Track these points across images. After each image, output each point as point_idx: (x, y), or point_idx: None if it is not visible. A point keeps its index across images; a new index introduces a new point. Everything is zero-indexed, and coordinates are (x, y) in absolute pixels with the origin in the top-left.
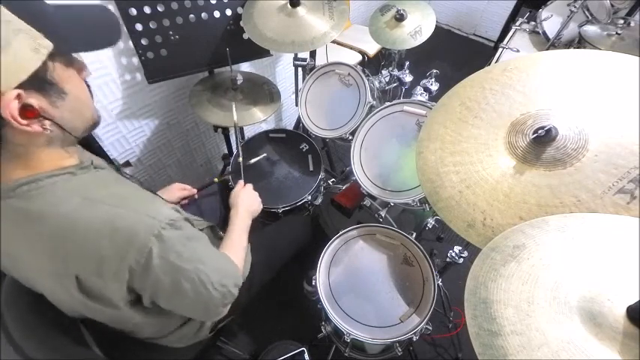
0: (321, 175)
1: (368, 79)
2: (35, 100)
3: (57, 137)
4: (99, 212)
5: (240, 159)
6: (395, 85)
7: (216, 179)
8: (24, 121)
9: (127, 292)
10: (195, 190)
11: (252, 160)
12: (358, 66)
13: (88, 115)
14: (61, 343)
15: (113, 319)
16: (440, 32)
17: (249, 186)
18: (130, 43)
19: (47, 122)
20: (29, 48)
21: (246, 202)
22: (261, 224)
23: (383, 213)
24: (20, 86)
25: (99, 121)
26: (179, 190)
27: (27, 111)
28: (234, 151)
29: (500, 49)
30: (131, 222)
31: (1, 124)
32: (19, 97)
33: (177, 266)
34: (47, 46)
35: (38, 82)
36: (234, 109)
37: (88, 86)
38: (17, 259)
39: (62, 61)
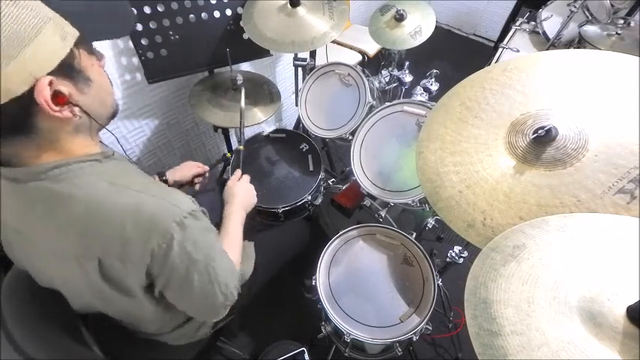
0: (321, 175)
1: (368, 79)
2: (65, 87)
3: (84, 124)
4: (124, 197)
5: (241, 147)
6: (395, 85)
7: (228, 154)
8: (56, 107)
9: (145, 278)
10: (207, 168)
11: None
12: (358, 66)
13: (110, 103)
14: (60, 342)
15: (123, 309)
16: (440, 32)
17: (245, 178)
18: (130, 43)
19: (76, 109)
20: (58, 35)
21: (240, 196)
22: (261, 225)
23: (383, 213)
24: (51, 73)
25: (118, 109)
26: (191, 167)
27: (58, 97)
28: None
29: (500, 49)
30: (155, 207)
31: (33, 112)
32: (50, 83)
33: (192, 256)
34: (73, 33)
35: (67, 69)
36: (242, 93)
37: (107, 75)
38: (38, 244)
39: (85, 49)
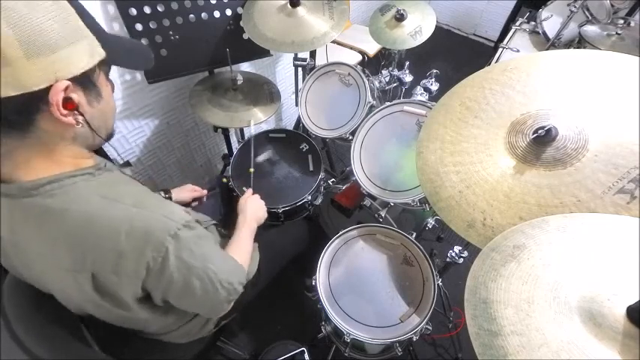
0: (321, 175)
1: (368, 79)
2: (77, 96)
3: (82, 135)
4: (117, 211)
5: (252, 170)
6: (395, 85)
7: (224, 179)
8: (64, 111)
9: (140, 290)
10: (205, 192)
11: (258, 159)
12: (358, 66)
13: (110, 124)
14: (62, 341)
15: (119, 318)
16: (440, 32)
17: (257, 195)
18: None
19: (80, 117)
20: (88, 51)
21: (253, 209)
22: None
23: (383, 213)
24: (70, 80)
25: (113, 134)
26: (191, 191)
27: (67, 103)
28: (234, 151)
29: (500, 49)
30: (148, 221)
31: (39, 110)
32: (66, 88)
33: (190, 265)
34: (101, 54)
35: (85, 80)
36: (252, 123)
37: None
38: (34, 256)
39: (105, 72)
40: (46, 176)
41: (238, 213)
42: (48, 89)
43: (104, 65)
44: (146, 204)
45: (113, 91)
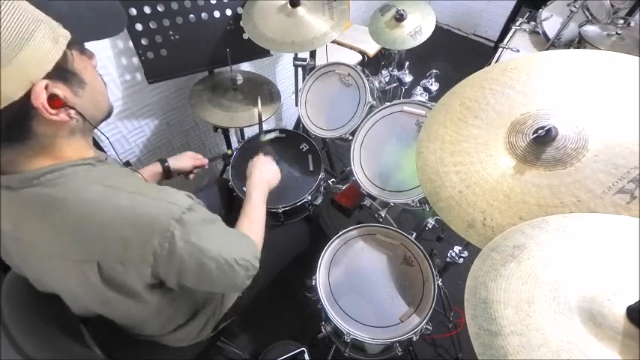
0: (321, 175)
1: (368, 79)
2: (60, 90)
3: (79, 127)
4: (120, 199)
5: (261, 132)
6: (395, 85)
7: (229, 151)
8: (53, 111)
9: (150, 277)
10: (206, 160)
11: (268, 137)
12: (358, 66)
13: (104, 104)
14: (62, 343)
15: (125, 311)
16: (440, 32)
17: (268, 157)
18: (130, 43)
19: (72, 111)
20: (50, 38)
21: (263, 170)
22: None
23: (383, 213)
24: (46, 76)
25: (112, 110)
26: (192, 158)
27: (54, 101)
28: (234, 151)
29: (500, 49)
30: (152, 207)
31: (30, 117)
32: (46, 87)
33: (200, 247)
34: (65, 35)
35: (61, 72)
36: (259, 101)
37: (100, 76)
38: (38, 250)
39: (77, 49)
40: (47, 165)
41: (247, 177)
42: (29, 94)
43: (74, 45)
44: (148, 191)
45: (92, 58)
